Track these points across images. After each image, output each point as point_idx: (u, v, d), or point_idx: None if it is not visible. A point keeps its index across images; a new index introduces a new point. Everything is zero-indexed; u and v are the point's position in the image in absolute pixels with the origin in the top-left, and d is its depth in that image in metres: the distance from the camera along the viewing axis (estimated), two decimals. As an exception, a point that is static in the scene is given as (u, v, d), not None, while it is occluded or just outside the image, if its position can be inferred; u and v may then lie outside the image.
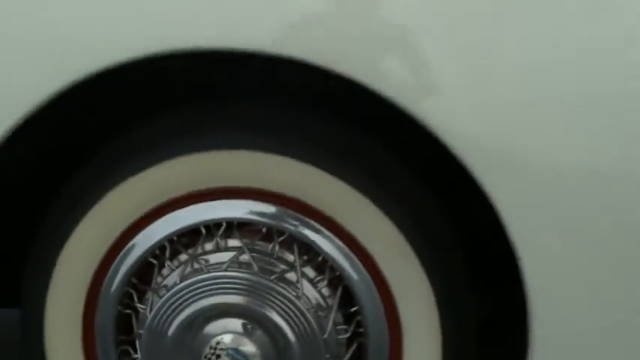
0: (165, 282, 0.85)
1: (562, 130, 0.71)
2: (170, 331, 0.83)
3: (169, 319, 0.82)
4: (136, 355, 0.89)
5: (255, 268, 0.81)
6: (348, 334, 0.84)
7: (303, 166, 0.80)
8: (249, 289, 0.80)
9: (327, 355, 0.82)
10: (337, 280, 0.84)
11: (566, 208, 0.73)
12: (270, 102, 0.86)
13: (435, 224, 0.84)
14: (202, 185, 0.83)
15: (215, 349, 0.82)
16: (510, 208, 0.72)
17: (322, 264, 0.84)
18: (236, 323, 0.82)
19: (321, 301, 0.84)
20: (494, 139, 0.72)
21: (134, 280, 0.87)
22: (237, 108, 0.87)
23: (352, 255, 0.81)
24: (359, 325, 0.84)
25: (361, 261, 0.81)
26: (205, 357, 0.83)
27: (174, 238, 0.85)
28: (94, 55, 0.75)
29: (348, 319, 0.85)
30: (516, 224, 0.72)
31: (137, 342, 0.88)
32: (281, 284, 0.81)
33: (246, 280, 0.80)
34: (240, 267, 0.82)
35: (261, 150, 0.80)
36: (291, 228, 0.82)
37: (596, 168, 0.72)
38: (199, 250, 0.85)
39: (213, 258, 0.85)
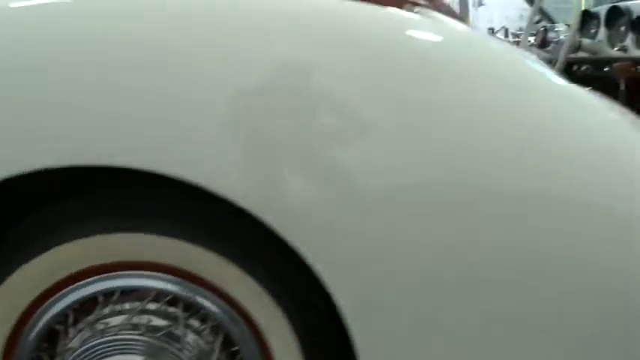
0: (70, 345, 0.96)
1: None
2: (78, 389, 0.94)
3: (76, 379, 0.93)
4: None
5: (144, 328, 0.94)
6: (231, 370, 0.99)
7: (185, 244, 0.94)
8: (140, 347, 0.92)
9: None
10: (218, 327, 0.98)
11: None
12: (163, 190, 0.96)
13: (292, 277, 0.96)
14: (100, 260, 0.95)
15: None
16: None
17: (205, 315, 0.98)
18: (136, 374, 0.94)
19: (205, 346, 0.97)
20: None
21: (45, 345, 0.98)
22: (131, 196, 0.98)
23: (228, 307, 0.96)
24: (241, 360, 0.99)
25: (236, 311, 0.96)
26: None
27: (76, 306, 0.97)
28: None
29: (232, 356, 1.00)
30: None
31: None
32: (168, 339, 0.94)
33: (136, 340, 0.93)
34: (132, 328, 0.94)
35: (151, 232, 0.94)
36: (178, 291, 0.96)
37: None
38: (98, 315, 0.97)
39: (113, 320, 0.96)
